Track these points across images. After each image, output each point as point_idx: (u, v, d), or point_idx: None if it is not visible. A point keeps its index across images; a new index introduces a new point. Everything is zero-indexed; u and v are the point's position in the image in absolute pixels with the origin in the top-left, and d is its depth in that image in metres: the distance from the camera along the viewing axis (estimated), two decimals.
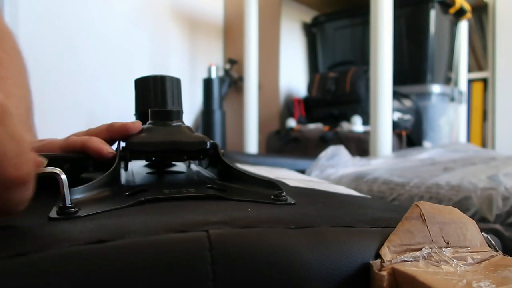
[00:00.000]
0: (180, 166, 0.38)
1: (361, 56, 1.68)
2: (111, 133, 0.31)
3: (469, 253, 0.17)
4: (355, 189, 0.59)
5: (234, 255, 0.15)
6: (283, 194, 0.23)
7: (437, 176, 0.56)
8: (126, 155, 0.28)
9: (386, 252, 0.16)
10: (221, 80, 1.87)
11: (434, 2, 1.48)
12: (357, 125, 1.39)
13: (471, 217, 0.19)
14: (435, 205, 0.18)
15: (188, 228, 0.16)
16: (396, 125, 1.35)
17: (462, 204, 0.48)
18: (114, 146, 0.31)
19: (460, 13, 1.63)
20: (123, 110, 1.61)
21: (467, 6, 1.63)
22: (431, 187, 0.53)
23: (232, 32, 2.03)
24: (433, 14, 1.49)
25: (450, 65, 1.69)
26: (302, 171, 0.67)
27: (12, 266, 0.14)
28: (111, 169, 0.26)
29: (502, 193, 0.46)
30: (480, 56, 1.95)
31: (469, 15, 1.67)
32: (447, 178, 0.53)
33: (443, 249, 0.17)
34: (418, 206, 0.18)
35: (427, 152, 0.76)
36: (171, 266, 0.14)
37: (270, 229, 0.17)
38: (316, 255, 0.16)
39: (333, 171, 0.70)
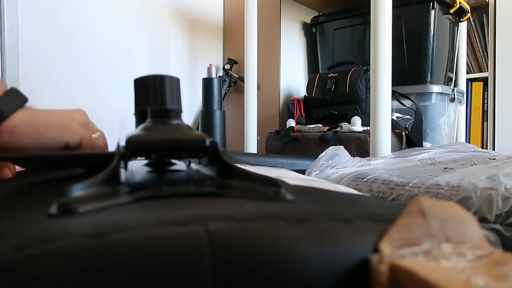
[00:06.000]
0: (180, 165, 0.38)
1: (361, 56, 1.68)
2: None
3: (469, 249, 0.17)
4: (354, 189, 0.59)
5: (233, 249, 0.15)
6: (282, 191, 0.23)
7: (437, 176, 0.55)
8: (126, 153, 0.28)
9: (385, 247, 0.16)
10: (221, 80, 1.87)
11: (434, 2, 1.48)
12: (356, 125, 1.39)
13: None
14: (436, 201, 0.18)
15: (187, 223, 0.16)
16: (396, 125, 1.35)
17: (462, 204, 0.48)
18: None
19: (460, 13, 1.63)
20: (123, 110, 1.61)
21: (467, 6, 1.63)
22: (431, 187, 0.53)
23: (232, 32, 2.03)
24: (433, 14, 1.49)
25: (450, 65, 1.69)
26: (302, 172, 0.67)
27: (10, 260, 0.14)
28: (111, 167, 0.26)
29: (502, 193, 0.46)
30: (480, 56, 1.95)
31: (469, 15, 1.67)
32: (447, 178, 0.53)
33: (443, 245, 0.17)
34: (418, 201, 0.18)
35: (427, 152, 0.76)
36: (170, 259, 0.14)
37: (269, 223, 0.17)
38: (315, 249, 0.16)
39: (332, 171, 0.70)
